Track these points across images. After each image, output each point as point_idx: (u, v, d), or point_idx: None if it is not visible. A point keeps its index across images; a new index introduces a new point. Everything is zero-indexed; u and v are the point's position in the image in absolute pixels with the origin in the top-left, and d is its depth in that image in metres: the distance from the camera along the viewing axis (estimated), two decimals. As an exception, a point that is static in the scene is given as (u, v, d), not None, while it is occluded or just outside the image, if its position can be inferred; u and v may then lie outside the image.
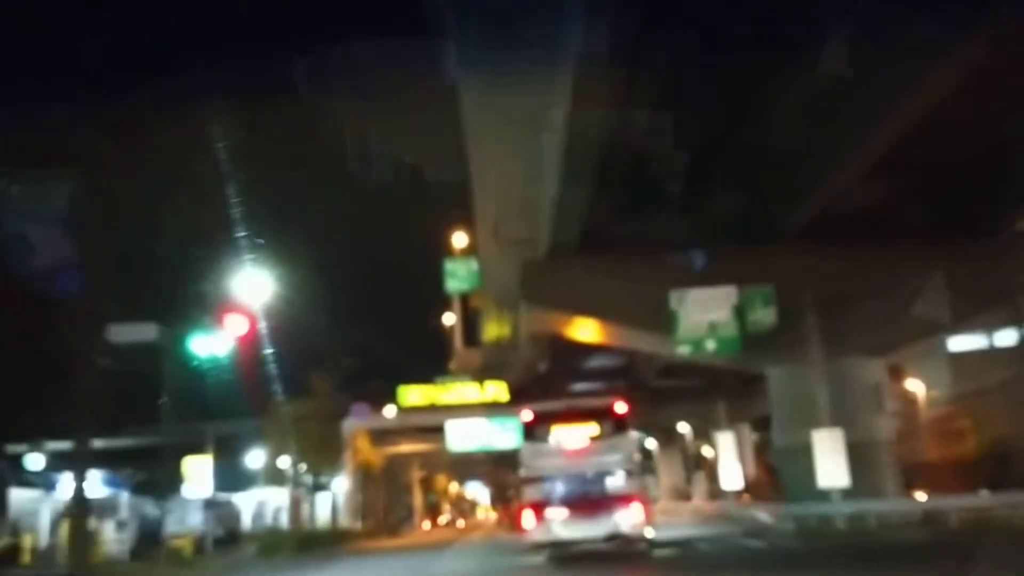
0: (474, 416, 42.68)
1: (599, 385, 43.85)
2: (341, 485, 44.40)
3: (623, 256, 22.70)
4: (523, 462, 18.40)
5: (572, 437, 17.73)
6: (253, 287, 20.63)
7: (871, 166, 19.46)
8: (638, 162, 20.24)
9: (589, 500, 17.02)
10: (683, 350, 23.01)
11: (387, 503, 55.40)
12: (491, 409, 42.48)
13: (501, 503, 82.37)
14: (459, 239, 37.85)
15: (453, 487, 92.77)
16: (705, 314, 21.97)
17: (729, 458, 40.48)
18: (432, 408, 42.85)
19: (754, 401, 44.53)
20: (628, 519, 17.01)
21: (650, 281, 22.36)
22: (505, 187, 21.09)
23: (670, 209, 21.23)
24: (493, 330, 39.28)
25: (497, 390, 42.44)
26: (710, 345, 22.60)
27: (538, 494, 17.37)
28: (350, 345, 42.40)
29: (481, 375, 43.18)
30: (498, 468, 67.20)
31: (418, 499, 73.88)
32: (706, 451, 51.69)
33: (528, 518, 17.53)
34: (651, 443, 59.24)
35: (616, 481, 17.27)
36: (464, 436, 42.74)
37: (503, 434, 42.59)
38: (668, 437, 51.16)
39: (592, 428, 17.79)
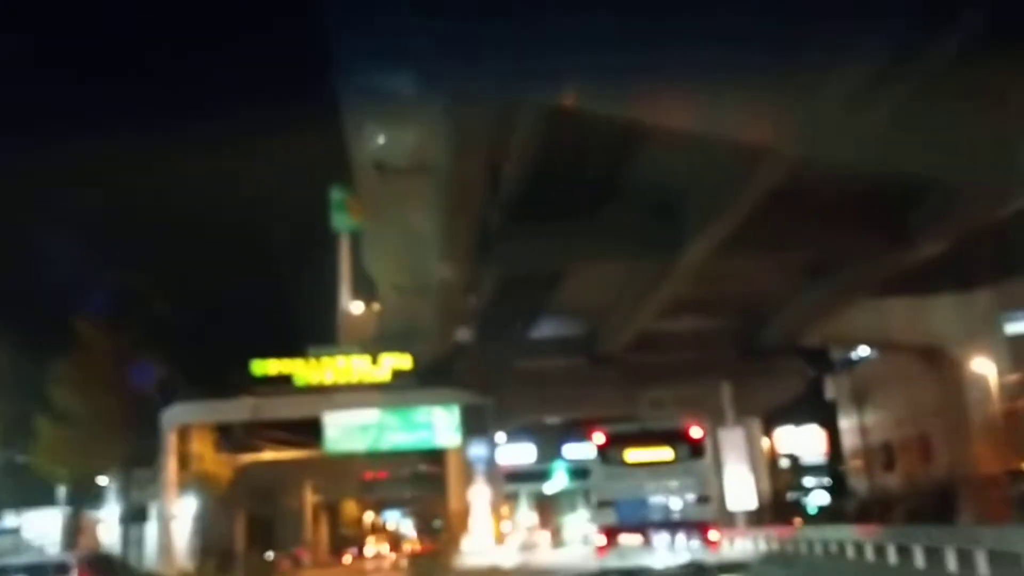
0: (365, 404, 28.94)
1: (552, 361, 30.72)
2: (171, 507, 29.89)
3: None
4: (595, 485, 18.73)
5: (646, 461, 17.32)
6: None
7: None
8: None
9: (664, 526, 16.66)
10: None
11: (251, 535, 40.77)
12: (389, 394, 28.80)
13: (428, 535, 68.47)
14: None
15: (369, 516, 77.63)
16: None
17: (739, 466, 27.49)
18: (303, 392, 28.94)
19: (767, 385, 31.97)
20: (705, 547, 16.49)
21: None
22: None
23: None
24: (389, 269, 25.78)
25: (398, 366, 28.78)
26: None
27: (611, 519, 17.12)
28: (180, 296, 28.47)
29: (377, 346, 29.50)
30: (422, 493, 53.50)
31: (317, 531, 59.49)
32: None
33: (601, 543, 17.41)
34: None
35: (691, 507, 16.86)
36: (348, 432, 28.87)
37: (406, 432, 28.94)
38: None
39: (667, 452, 17.27)
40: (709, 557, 16.46)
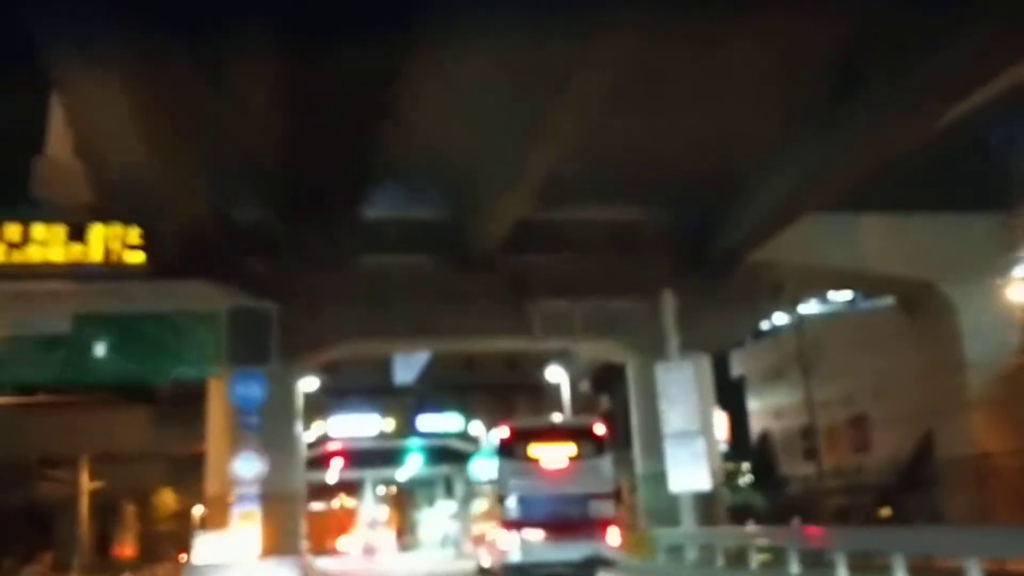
0: (57, 309, 16.68)
1: (398, 259, 19.55)
2: None
3: None
4: (497, 480, 17.89)
5: (550, 457, 17.23)
6: None
7: None
8: None
9: (567, 522, 16.77)
10: None
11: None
12: (102, 292, 16.65)
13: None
14: None
15: (198, 510, 63.90)
16: None
17: (686, 424, 16.70)
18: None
19: (719, 312, 21.24)
20: (606, 543, 16.72)
21: None
22: None
23: None
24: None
25: (121, 246, 16.59)
26: None
27: (513, 514, 17.07)
28: None
29: (94, 214, 17.20)
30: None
31: (119, 529, 47.19)
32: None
33: (502, 538, 17.13)
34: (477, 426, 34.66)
35: (594, 504, 17.00)
36: (19, 353, 16.47)
37: (126, 353, 16.78)
38: (531, 395, 26.38)
39: (570, 448, 17.33)
40: (609, 553, 16.58)
